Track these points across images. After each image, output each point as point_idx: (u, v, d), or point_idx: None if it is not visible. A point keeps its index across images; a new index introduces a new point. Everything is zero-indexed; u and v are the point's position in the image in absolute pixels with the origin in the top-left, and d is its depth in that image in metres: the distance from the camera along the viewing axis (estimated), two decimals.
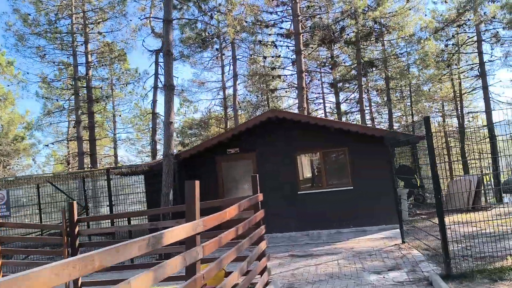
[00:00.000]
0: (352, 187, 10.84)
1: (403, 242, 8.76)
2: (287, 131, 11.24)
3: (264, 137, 11.36)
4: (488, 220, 8.69)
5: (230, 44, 25.45)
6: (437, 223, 6.22)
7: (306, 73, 20.89)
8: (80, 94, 23.60)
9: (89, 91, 22.56)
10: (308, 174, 11.73)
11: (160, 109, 31.36)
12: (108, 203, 14.83)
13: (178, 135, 40.06)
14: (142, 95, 30.55)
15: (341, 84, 28.35)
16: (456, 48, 28.12)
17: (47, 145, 28.81)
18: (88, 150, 22.82)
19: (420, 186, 13.87)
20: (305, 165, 11.61)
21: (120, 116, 33.80)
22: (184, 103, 36.87)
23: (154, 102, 23.09)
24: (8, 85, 26.45)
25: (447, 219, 9.03)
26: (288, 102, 32.10)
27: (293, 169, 11.15)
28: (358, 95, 28.27)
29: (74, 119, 23.27)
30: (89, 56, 22.98)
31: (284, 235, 10.97)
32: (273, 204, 11.05)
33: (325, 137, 11.02)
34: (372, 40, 24.46)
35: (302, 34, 18.46)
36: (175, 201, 10.42)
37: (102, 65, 25.00)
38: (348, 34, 23.99)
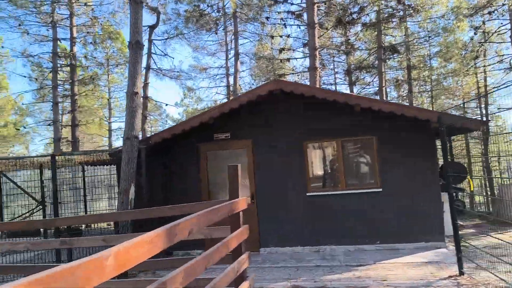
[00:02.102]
0: (380, 189, 7.99)
1: (462, 273, 5.91)
2: (295, 111, 8.42)
3: (264, 119, 8.56)
4: None
5: (232, 21, 22.68)
6: None
7: (319, 60, 17.94)
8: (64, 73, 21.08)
9: (72, 70, 19.89)
10: (320, 170, 8.87)
11: (152, 92, 28.58)
12: (82, 198, 12.40)
13: None
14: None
15: (357, 72, 25.40)
16: (485, 38, 25.06)
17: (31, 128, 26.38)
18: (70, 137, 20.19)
19: (461, 189, 10.99)
20: (317, 158, 8.77)
21: (109, 102, 31.26)
22: (188, 93, 34.50)
23: (146, 84, 20.35)
24: None
25: (505, 236, 6.34)
26: None
27: (301, 163, 8.34)
28: (374, 86, 25.43)
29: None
30: (74, 30, 20.28)
31: (286, 251, 8.17)
32: (272, 208, 8.26)
33: (346, 121, 8.19)
34: (395, 22, 21.44)
35: (316, 4, 15.57)
36: (140, 201, 7.67)
37: (91, 42, 22.29)
38: (368, 14, 21.03)
